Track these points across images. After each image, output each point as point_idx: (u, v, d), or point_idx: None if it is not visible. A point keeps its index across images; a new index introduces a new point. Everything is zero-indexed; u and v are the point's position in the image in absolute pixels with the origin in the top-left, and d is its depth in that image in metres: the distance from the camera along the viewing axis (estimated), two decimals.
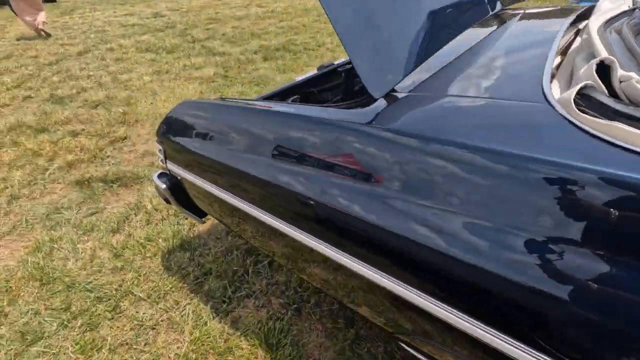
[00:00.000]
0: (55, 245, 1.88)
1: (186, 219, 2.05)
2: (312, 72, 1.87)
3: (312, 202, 0.83)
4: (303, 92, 1.69)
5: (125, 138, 2.94)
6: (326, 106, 0.97)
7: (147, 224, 2.01)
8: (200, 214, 1.44)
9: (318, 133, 0.85)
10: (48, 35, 6.33)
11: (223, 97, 1.38)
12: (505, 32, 1.19)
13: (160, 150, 1.30)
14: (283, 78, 4.04)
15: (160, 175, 1.36)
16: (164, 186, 1.31)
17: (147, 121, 3.21)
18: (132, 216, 2.08)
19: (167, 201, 1.40)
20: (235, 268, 1.70)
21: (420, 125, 0.74)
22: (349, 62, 1.92)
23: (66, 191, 2.33)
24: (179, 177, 1.32)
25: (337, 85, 1.87)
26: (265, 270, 1.69)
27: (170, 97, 3.64)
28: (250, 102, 1.17)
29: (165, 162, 1.29)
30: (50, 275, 1.71)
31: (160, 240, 1.89)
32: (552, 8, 1.76)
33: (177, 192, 1.34)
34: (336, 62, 1.92)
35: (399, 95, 0.85)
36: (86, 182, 2.38)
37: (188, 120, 1.20)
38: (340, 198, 0.80)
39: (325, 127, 0.85)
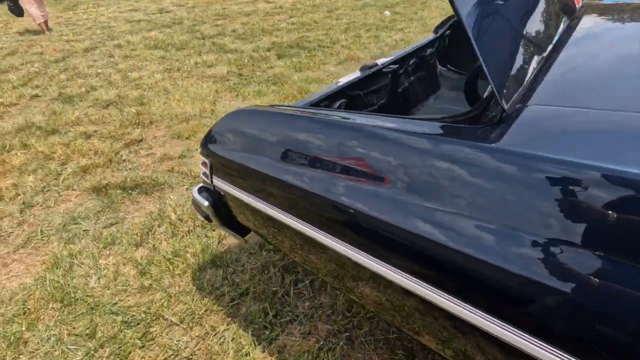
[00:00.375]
0: (75, 261, 1.74)
1: (213, 230, 1.90)
2: (355, 73, 1.72)
3: (397, 232, 0.70)
4: (349, 95, 1.53)
5: (141, 140, 2.78)
6: (419, 119, 0.82)
7: (173, 237, 1.86)
8: (243, 232, 1.29)
9: (431, 154, 0.70)
10: (49, 29, 6.18)
11: (273, 104, 1.22)
12: (607, 30, 1.04)
13: (204, 164, 1.15)
14: (300, 77, 3.88)
15: (200, 191, 1.21)
16: (206, 203, 1.16)
17: (162, 122, 3.05)
18: (156, 227, 1.93)
19: (208, 219, 1.25)
20: (274, 288, 1.55)
21: (579, 147, 0.59)
22: (394, 62, 1.76)
23: (82, 199, 2.18)
24: (222, 193, 1.17)
25: (382, 87, 1.72)
26: (307, 290, 1.55)
27: (185, 97, 3.48)
28: (311, 110, 1.02)
29: (211, 177, 1.14)
30: (72, 295, 1.57)
31: (188, 255, 1.74)
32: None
33: (220, 210, 1.19)
34: (379, 62, 1.76)
35: (530, 108, 0.70)
36: (103, 189, 2.22)
37: (241, 131, 1.05)
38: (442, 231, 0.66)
39: (439, 145, 0.69)
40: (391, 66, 1.71)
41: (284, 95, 3.42)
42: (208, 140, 1.13)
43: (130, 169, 2.44)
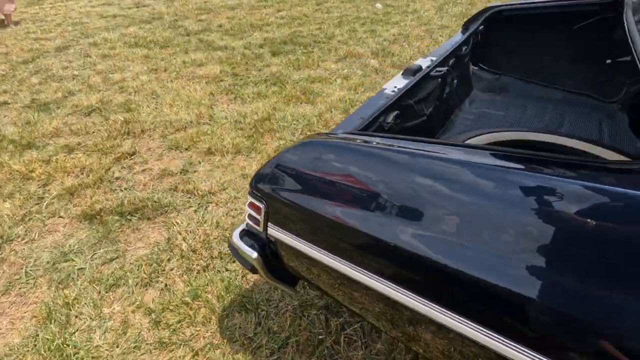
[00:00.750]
0: (73, 311, 1.45)
1: (234, 262, 1.65)
2: (397, 77, 1.49)
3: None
4: (401, 105, 1.30)
5: (134, 153, 2.46)
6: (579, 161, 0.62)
7: (187, 272, 1.60)
8: (292, 282, 1.06)
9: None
10: (15, 23, 5.66)
11: (352, 131, 0.98)
12: None
13: (255, 207, 0.89)
14: (300, 76, 3.61)
15: (243, 236, 0.96)
16: (255, 255, 0.92)
17: (156, 131, 2.73)
18: (165, 262, 1.65)
19: (253, 271, 1.00)
20: (320, 336, 1.32)
21: None
22: (440, 63, 1.55)
23: (72, 228, 1.87)
24: (272, 240, 0.92)
25: (431, 93, 1.50)
26: (358, 335, 1.32)
27: (177, 101, 3.16)
28: (408, 147, 0.79)
29: (266, 225, 0.89)
30: (73, 358, 1.28)
31: (209, 296, 1.48)
32: None
33: (270, 261, 0.95)
34: (422, 65, 1.54)
35: None
36: (97, 216, 1.92)
37: (313, 169, 0.80)
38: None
39: None
40: (439, 69, 1.49)
41: (287, 97, 3.16)
42: (263, 178, 0.87)
43: (125, 188, 2.13)
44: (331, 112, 2.89)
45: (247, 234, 0.98)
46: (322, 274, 0.88)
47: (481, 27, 1.99)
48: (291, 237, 0.83)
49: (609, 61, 1.83)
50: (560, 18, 1.88)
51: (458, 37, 1.94)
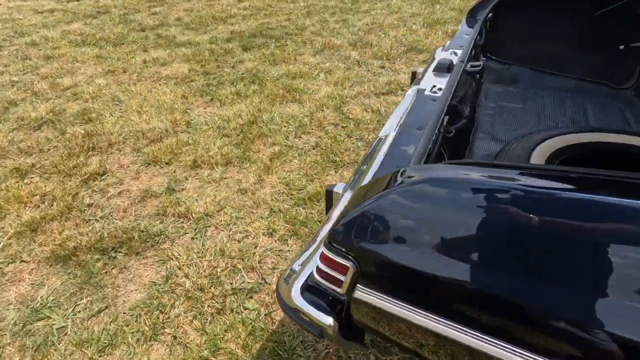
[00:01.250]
0: None
1: (250, 297, 1.42)
2: (429, 75, 1.30)
3: None
4: (448, 108, 1.13)
5: (104, 173, 2.11)
6: None
7: (198, 317, 1.34)
8: (361, 338, 0.86)
9: None
10: None
11: (457, 162, 0.77)
12: None
13: (335, 265, 0.67)
14: (279, 72, 3.34)
15: (307, 295, 0.74)
16: (330, 321, 0.70)
17: (126, 143, 2.37)
18: (169, 307, 1.38)
19: (321, 336, 0.78)
20: None
21: None
22: (471, 55, 1.39)
23: (41, 274, 1.53)
24: (354, 300, 0.71)
25: (468, 91, 1.34)
26: None
27: (145, 106, 2.78)
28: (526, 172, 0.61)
29: (352, 287, 0.67)
30: None
31: (232, 345, 1.24)
32: None
33: (345, 324, 0.74)
34: (451, 58, 1.37)
35: None
36: (71, 256, 1.58)
37: (426, 220, 0.60)
38: None
39: None
40: (474, 64, 1.33)
41: (270, 97, 2.89)
42: (352, 230, 0.65)
43: (102, 218, 1.80)
44: (322, 111, 2.68)
45: (307, 289, 0.76)
46: (412, 332, 0.69)
47: (490, 15, 1.87)
48: (390, 301, 0.63)
49: (622, 47, 1.78)
50: (571, 3, 1.80)
51: (465, 25, 1.79)
